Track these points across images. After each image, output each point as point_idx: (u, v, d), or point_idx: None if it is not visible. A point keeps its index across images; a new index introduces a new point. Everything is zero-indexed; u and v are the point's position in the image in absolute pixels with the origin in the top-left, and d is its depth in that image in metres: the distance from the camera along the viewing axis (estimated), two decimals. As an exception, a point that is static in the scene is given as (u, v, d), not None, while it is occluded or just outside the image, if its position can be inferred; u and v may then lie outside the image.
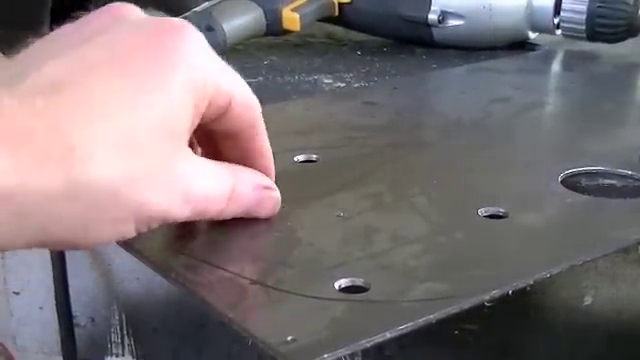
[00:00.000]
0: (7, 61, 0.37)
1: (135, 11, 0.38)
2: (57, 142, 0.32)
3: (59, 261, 0.50)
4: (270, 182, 0.41)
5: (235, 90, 0.38)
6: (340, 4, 0.81)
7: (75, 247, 0.40)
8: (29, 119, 0.31)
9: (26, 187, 0.31)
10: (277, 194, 0.41)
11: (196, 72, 0.36)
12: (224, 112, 0.38)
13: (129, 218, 0.34)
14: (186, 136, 0.36)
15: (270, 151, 0.41)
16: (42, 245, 0.33)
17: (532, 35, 0.80)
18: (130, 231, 0.35)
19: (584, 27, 0.75)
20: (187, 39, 0.36)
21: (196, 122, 0.37)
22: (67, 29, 0.38)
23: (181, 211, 0.36)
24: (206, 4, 0.75)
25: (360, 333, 0.32)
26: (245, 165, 0.41)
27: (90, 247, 0.42)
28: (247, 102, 0.39)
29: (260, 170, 0.41)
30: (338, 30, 0.86)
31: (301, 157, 0.51)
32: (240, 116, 0.39)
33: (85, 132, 0.32)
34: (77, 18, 0.38)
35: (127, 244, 0.38)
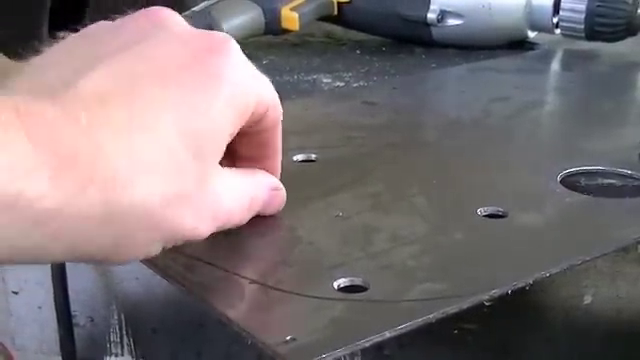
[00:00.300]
0: (39, 59, 0.36)
1: (175, 17, 0.38)
2: (100, 167, 0.31)
3: (58, 261, 0.50)
4: (279, 182, 0.42)
5: (271, 97, 0.39)
6: (339, 3, 0.81)
7: (101, 264, 0.39)
8: (73, 138, 0.31)
9: (64, 212, 0.30)
10: (284, 193, 0.42)
11: (240, 89, 0.36)
12: (261, 119, 0.38)
13: (160, 239, 0.34)
14: (221, 155, 0.36)
15: (281, 150, 0.42)
16: (66, 261, 0.33)
17: (531, 34, 0.80)
18: (157, 250, 0.35)
19: (583, 26, 0.74)
20: (231, 56, 0.36)
21: (234, 134, 0.37)
22: (102, 29, 0.37)
23: (208, 229, 0.36)
24: (205, 3, 0.74)
25: (359, 332, 0.32)
26: (256, 161, 0.41)
27: (116, 265, 0.41)
28: (277, 105, 0.39)
29: (270, 168, 0.41)
30: (337, 29, 0.86)
31: (300, 157, 0.51)
32: (270, 119, 0.39)
33: (128, 155, 0.32)
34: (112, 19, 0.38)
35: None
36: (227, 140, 0.36)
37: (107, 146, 0.31)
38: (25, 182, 0.29)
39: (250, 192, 0.39)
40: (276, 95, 0.39)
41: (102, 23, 0.38)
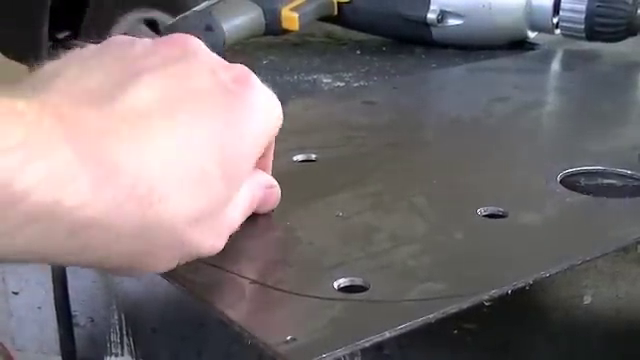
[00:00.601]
0: (63, 66, 0.36)
1: (202, 46, 0.39)
2: (141, 180, 0.32)
3: (58, 261, 0.50)
4: (273, 180, 0.42)
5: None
6: (339, 3, 0.81)
7: (118, 275, 0.40)
8: (116, 150, 0.31)
9: (102, 222, 0.31)
10: (279, 190, 0.42)
11: (269, 117, 0.38)
12: None
13: (180, 256, 0.35)
14: (246, 177, 0.38)
15: (273, 146, 0.42)
16: (91, 268, 0.34)
17: (531, 34, 0.80)
18: (174, 265, 0.36)
19: (583, 26, 0.74)
20: (256, 87, 0.38)
21: None
22: (130, 44, 0.38)
23: (223, 244, 0.37)
24: (206, 3, 0.75)
25: (359, 332, 0.32)
26: None
27: (136, 276, 0.42)
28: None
29: (264, 166, 0.42)
30: (337, 29, 0.86)
31: (300, 157, 0.51)
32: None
33: (165, 171, 0.32)
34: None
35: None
36: (252, 167, 0.38)
37: (147, 160, 0.32)
38: (65, 190, 0.29)
39: (251, 196, 0.40)
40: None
41: (125, 38, 0.39)
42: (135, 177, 0.31)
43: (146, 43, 0.38)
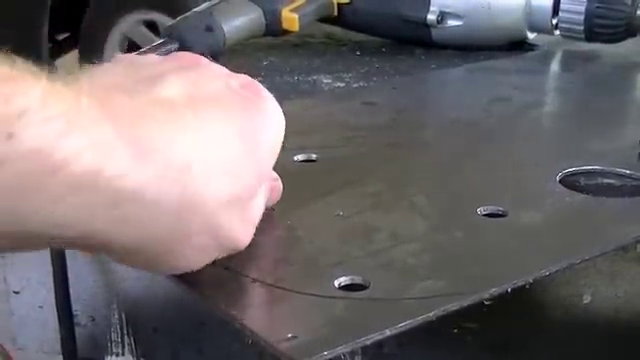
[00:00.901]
0: (96, 72, 0.37)
1: (207, 60, 0.40)
2: (178, 156, 0.32)
3: (59, 260, 0.50)
4: (275, 174, 0.42)
5: None
6: (339, 4, 0.81)
7: (152, 269, 0.39)
8: (151, 128, 0.32)
9: (142, 194, 0.31)
10: (281, 183, 0.42)
11: (279, 120, 0.39)
12: None
13: (215, 246, 0.36)
14: (270, 177, 0.39)
15: None
16: (122, 253, 0.34)
17: (531, 35, 0.80)
18: (209, 259, 0.36)
19: (582, 27, 0.75)
20: (265, 92, 0.39)
21: None
22: (151, 59, 0.40)
23: (250, 237, 0.37)
24: (206, 4, 0.75)
25: (360, 330, 0.32)
26: None
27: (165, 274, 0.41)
28: None
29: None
30: (337, 30, 0.86)
31: (300, 157, 0.51)
32: None
33: (201, 151, 0.33)
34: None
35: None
36: (271, 166, 0.39)
37: (183, 141, 0.33)
38: (106, 161, 0.30)
39: (268, 189, 0.40)
40: None
41: (134, 55, 0.41)
42: (172, 154, 0.32)
43: (156, 57, 0.40)
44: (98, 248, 0.33)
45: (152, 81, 0.35)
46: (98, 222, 0.31)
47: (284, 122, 0.39)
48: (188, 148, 0.33)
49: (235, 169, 0.35)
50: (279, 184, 0.42)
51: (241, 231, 0.36)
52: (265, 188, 0.39)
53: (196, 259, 0.35)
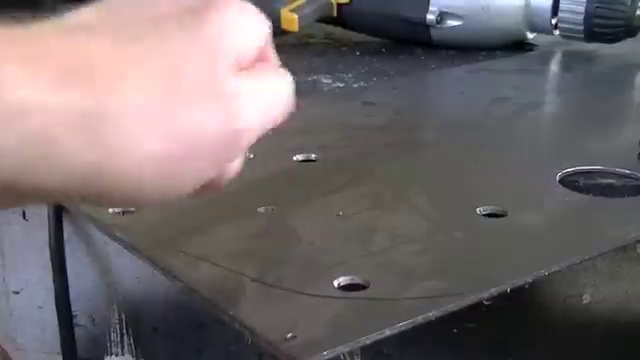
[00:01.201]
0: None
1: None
2: (78, 60, 0.27)
3: (59, 260, 0.50)
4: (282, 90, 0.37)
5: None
6: (339, 4, 0.81)
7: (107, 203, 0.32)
8: (59, 42, 0.27)
9: (41, 107, 0.26)
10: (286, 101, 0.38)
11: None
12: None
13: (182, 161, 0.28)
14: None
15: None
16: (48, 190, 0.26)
17: (530, 35, 0.80)
18: (188, 189, 0.29)
19: (582, 28, 0.75)
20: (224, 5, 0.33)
21: None
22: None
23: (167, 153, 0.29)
24: (205, 5, 0.75)
25: (359, 330, 0.32)
26: None
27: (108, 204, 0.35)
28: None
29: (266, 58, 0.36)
30: (337, 30, 0.86)
31: (300, 157, 0.51)
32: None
33: (113, 52, 0.28)
34: None
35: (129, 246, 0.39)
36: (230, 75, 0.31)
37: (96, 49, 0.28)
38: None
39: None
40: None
41: None
42: (68, 56, 0.27)
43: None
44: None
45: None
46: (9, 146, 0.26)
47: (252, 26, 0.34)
48: (94, 51, 0.28)
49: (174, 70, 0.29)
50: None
51: (153, 139, 0.28)
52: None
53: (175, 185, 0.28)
